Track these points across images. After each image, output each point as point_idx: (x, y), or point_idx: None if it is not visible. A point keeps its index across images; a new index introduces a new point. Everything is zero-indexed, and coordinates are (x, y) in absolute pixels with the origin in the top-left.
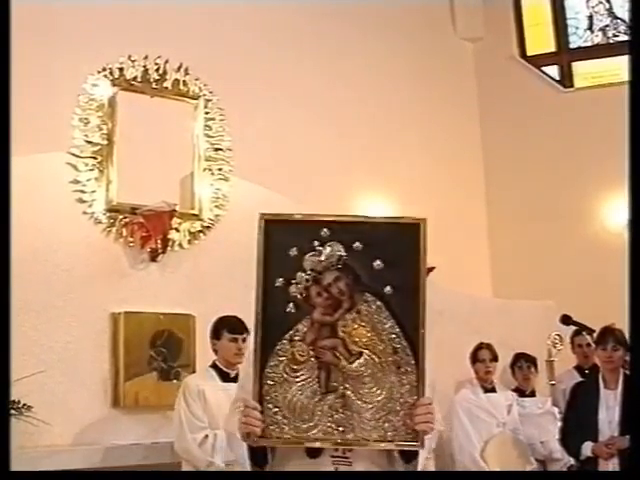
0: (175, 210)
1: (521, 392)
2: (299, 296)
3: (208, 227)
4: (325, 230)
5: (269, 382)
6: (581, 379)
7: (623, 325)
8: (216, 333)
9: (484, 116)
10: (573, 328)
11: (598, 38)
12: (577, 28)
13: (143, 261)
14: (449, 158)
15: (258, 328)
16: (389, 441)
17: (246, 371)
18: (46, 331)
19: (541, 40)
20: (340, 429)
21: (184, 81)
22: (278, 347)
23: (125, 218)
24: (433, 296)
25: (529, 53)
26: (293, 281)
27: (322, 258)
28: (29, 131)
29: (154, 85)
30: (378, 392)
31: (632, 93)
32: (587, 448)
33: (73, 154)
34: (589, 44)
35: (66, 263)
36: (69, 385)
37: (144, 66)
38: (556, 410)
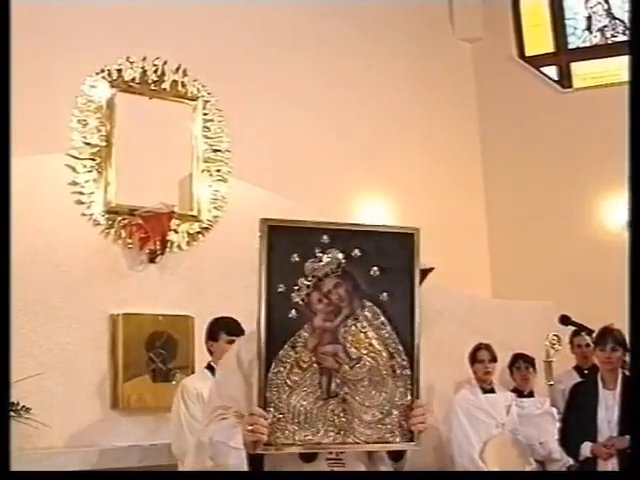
0: (174, 211)
1: (520, 392)
2: (301, 302)
3: (207, 228)
4: (325, 237)
5: (273, 389)
6: (580, 379)
7: (622, 325)
8: (213, 334)
9: (483, 116)
10: (572, 328)
11: (597, 39)
12: (576, 29)
13: (142, 262)
14: (449, 158)
15: (262, 334)
16: (387, 442)
17: (223, 377)
18: (45, 332)
19: (540, 41)
20: (341, 433)
21: (182, 82)
22: (281, 353)
23: (124, 219)
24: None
25: (528, 54)
26: (295, 287)
27: (322, 264)
28: (28, 132)
29: (152, 86)
30: (377, 395)
31: (631, 93)
32: (586, 448)
33: (72, 156)
34: (588, 44)
35: (65, 264)
36: (68, 386)
37: (142, 67)
38: (555, 410)
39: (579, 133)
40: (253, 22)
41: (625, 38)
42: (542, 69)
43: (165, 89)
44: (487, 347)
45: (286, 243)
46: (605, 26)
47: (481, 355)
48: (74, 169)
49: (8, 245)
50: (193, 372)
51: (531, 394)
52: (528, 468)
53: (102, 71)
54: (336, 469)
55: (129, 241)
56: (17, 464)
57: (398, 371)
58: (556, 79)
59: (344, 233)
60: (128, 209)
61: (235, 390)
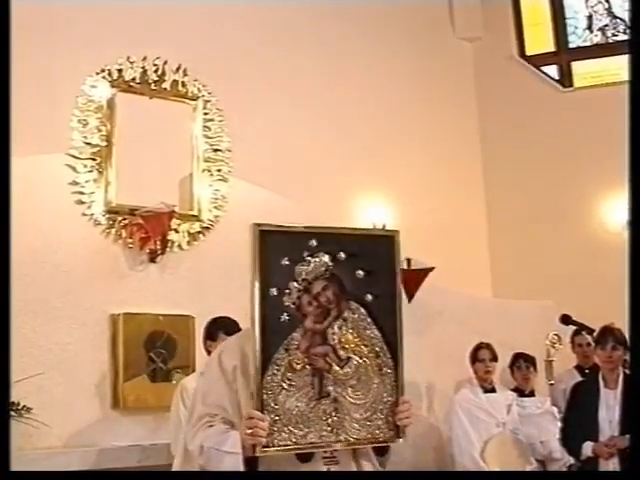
0: (174, 211)
1: (520, 392)
2: (292, 305)
3: (207, 228)
4: (313, 241)
5: (269, 391)
6: (581, 379)
7: (622, 324)
8: (211, 334)
9: (483, 116)
10: (573, 328)
11: (597, 38)
12: (576, 28)
13: (142, 262)
14: (449, 158)
15: (256, 339)
16: (376, 438)
17: (207, 386)
18: (45, 332)
19: (540, 40)
20: (334, 431)
21: (183, 82)
22: (276, 356)
23: (124, 219)
24: (433, 296)
25: (528, 53)
26: (286, 291)
27: (311, 268)
28: (28, 132)
29: (153, 86)
30: (365, 394)
31: (632, 93)
32: (587, 448)
33: (72, 155)
34: (588, 44)
35: (65, 264)
36: (68, 386)
37: (143, 67)
38: (555, 410)
39: (579, 132)
40: (253, 22)
41: (626, 37)
42: (542, 68)
43: (165, 89)
44: (488, 346)
45: (277, 247)
46: (606, 25)
47: (482, 354)
48: (74, 169)
49: (8, 245)
50: (194, 371)
51: (532, 393)
52: (529, 468)
53: (102, 71)
54: (332, 467)
55: (129, 241)
56: (17, 464)
57: (384, 369)
58: (557, 78)
59: (330, 237)
60: (128, 209)
61: (220, 397)
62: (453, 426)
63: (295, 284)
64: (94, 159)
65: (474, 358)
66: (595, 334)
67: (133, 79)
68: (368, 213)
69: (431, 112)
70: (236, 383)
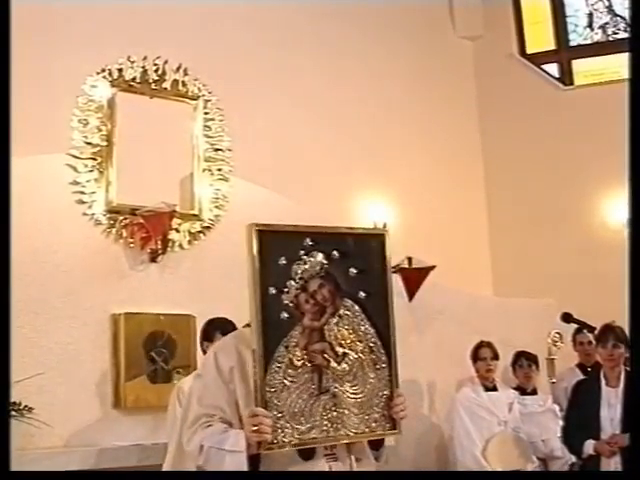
0: (175, 211)
1: (522, 390)
2: (290, 304)
3: (208, 227)
4: (308, 240)
5: (271, 389)
6: (583, 377)
7: (623, 322)
8: (208, 335)
9: (484, 114)
10: (574, 326)
11: (598, 36)
12: (577, 26)
13: (143, 262)
14: (449, 157)
15: (258, 337)
16: (373, 432)
17: (203, 387)
18: (46, 332)
19: (541, 38)
20: (334, 426)
21: (183, 82)
22: (276, 354)
23: (125, 219)
24: (433, 295)
25: (529, 51)
26: (285, 289)
27: (307, 267)
28: (28, 132)
29: (153, 86)
30: (362, 388)
31: (632, 90)
32: (589, 446)
33: (72, 155)
34: (589, 42)
35: (66, 264)
36: (69, 386)
37: (143, 67)
38: (557, 408)
39: (580, 131)
40: (253, 22)
41: (626, 35)
42: (543, 67)
43: (166, 88)
44: (489, 345)
45: (274, 247)
46: (606, 23)
47: (483, 353)
48: (75, 169)
49: (8, 245)
50: (195, 371)
51: (534, 392)
52: (530, 466)
53: (103, 71)
54: (332, 464)
55: (130, 240)
56: (17, 464)
57: (378, 364)
58: (557, 76)
59: (324, 236)
60: (129, 208)
61: (217, 398)
62: (454, 425)
63: (293, 283)
64: (95, 159)
65: (475, 357)
66: (596, 332)
67: (133, 79)
68: (368, 213)
69: (431, 112)
70: (233, 383)
